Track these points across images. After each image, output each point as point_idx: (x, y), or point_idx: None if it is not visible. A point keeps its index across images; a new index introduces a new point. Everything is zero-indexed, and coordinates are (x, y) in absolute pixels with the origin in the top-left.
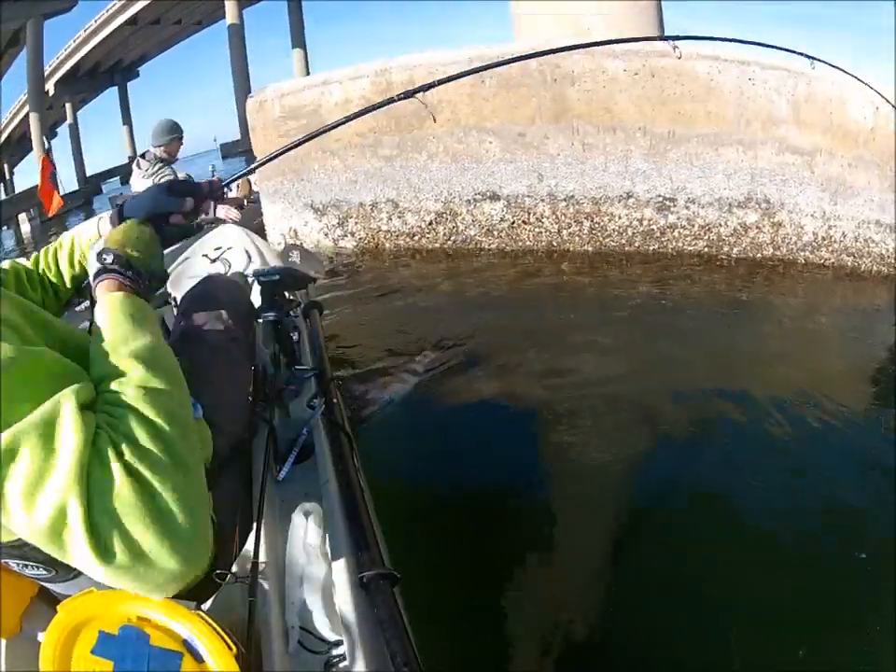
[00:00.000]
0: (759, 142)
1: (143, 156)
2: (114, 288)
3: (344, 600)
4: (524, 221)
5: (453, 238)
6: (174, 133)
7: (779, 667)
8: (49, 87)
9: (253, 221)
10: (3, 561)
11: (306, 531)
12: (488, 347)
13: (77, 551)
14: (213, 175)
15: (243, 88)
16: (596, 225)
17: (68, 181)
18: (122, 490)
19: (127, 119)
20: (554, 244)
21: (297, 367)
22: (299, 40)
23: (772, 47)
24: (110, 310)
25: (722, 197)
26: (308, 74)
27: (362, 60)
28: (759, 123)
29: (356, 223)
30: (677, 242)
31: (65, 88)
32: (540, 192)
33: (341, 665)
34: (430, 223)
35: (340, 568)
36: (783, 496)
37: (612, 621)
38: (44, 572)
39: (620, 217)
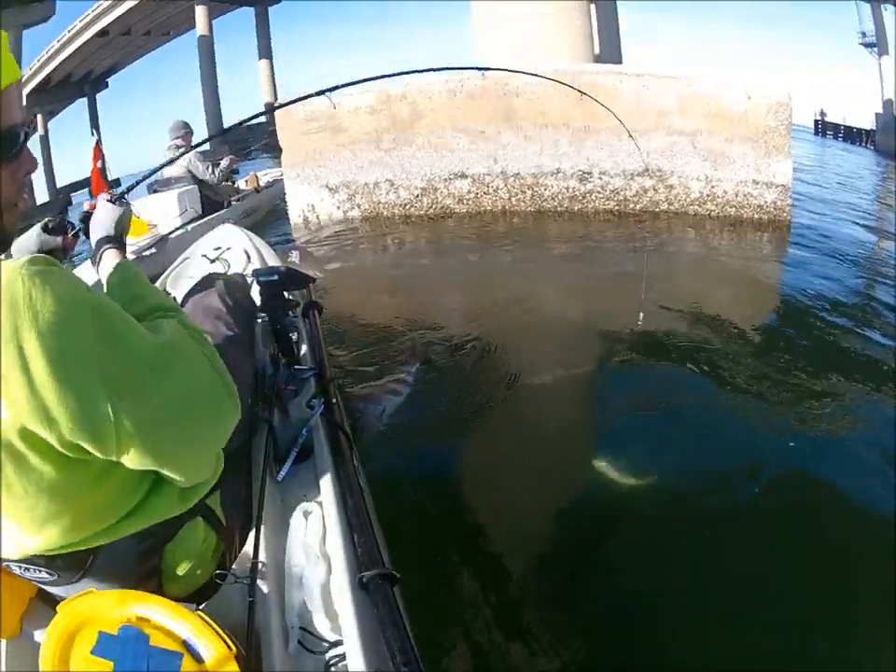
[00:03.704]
0: (651, 129)
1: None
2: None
3: (344, 600)
4: (484, 193)
5: (434, 207)
6: (185, 128)
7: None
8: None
9: (271, 204)
10: (3, 564)
11: (306, 531)
12: (463, 285)
13: (227, 403)
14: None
15: (212, 98)
16: (536, 193)
17: (39, 193)
18: (217, 360)
19: (96, 130)
20: (506, 207)
21: (296, 367)
22: (265, 51)
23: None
24: (131, 268)
25: (626, 169)
26: (274, 83)
27: (331, 61)
28: (652, 116)
29: (361, 197)
30: (595, 202)
31: (37, 99)
32: (496, 171)
33: (340, 664)
34: (417, 196)
35: (339, 568)
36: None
37: (612, 617)
38: (46, 575)
39: (552, 187)
